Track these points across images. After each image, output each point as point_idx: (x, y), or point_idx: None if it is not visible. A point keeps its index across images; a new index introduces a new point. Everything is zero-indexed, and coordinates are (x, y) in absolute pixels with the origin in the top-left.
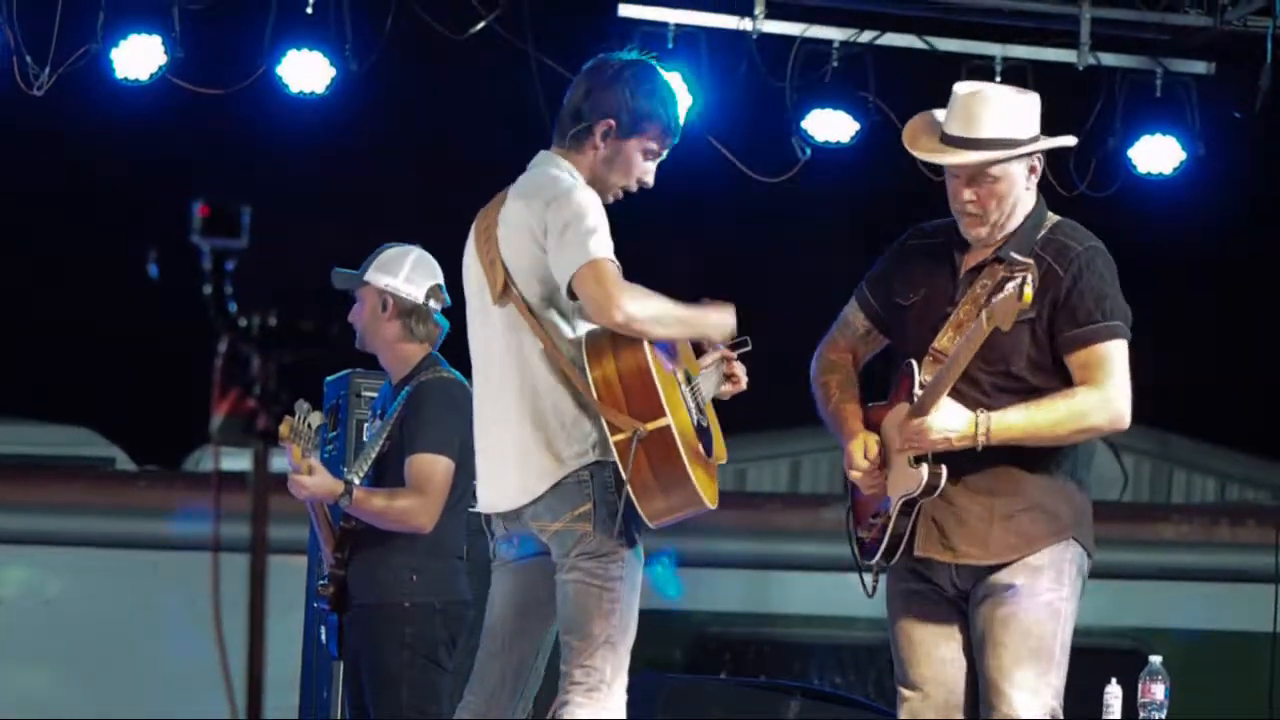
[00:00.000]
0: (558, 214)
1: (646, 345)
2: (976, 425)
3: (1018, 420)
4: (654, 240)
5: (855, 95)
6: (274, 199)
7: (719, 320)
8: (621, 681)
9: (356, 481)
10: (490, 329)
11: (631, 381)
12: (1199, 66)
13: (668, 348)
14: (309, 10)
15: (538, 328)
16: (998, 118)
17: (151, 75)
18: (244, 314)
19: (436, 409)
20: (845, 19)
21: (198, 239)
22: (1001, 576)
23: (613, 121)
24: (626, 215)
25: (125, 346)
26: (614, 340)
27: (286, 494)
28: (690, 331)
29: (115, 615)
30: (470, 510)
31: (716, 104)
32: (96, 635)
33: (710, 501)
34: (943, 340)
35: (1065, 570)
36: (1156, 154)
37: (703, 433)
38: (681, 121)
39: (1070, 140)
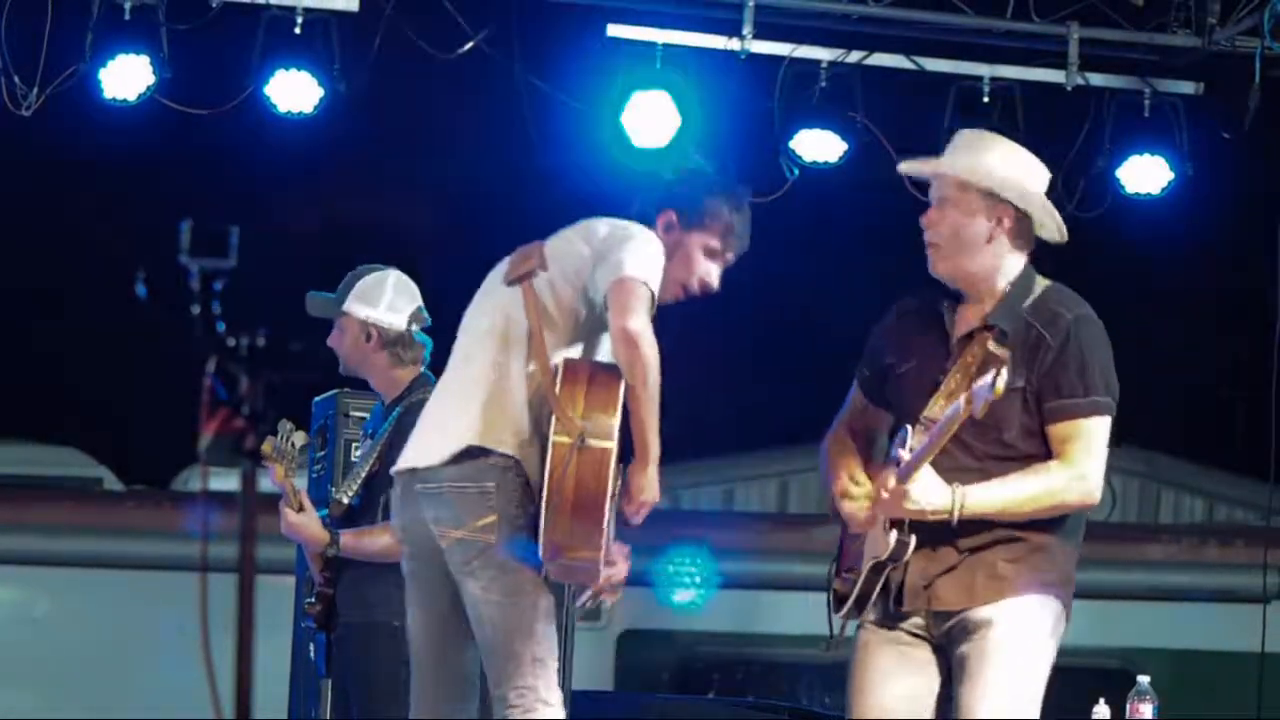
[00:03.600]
0: (626, 234)
1: (620, 386)
2: (953, 500)
3: (991, 498)
4: None
5: (843, 115)
6: (262, 219)
7: (653, 472)
8: (557, 696)
9: (346, 501)
10: (487, 310)
11: (595, 403)
12: (1187, 87)
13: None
14: (297, 30)
15: (537, 318)
16: (974, 152)
17: (140, 95)
18: (232, 334)
19: None
20: (833, 39)
21: (186, 259)
22: (982, 614)
23: (676, 213)
24: None
25: (113, 366)
26: (595, 366)
27: (274, 514)
28: (650, 421)
29: (103, 635)
30: None
31: (705, 124)
32: (84, 655)
33: (600, 572)
34: (933, 408)
35: (1040, 617)
36: (1145, 174)
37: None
38: (747, 233)
39: (1030, 193)
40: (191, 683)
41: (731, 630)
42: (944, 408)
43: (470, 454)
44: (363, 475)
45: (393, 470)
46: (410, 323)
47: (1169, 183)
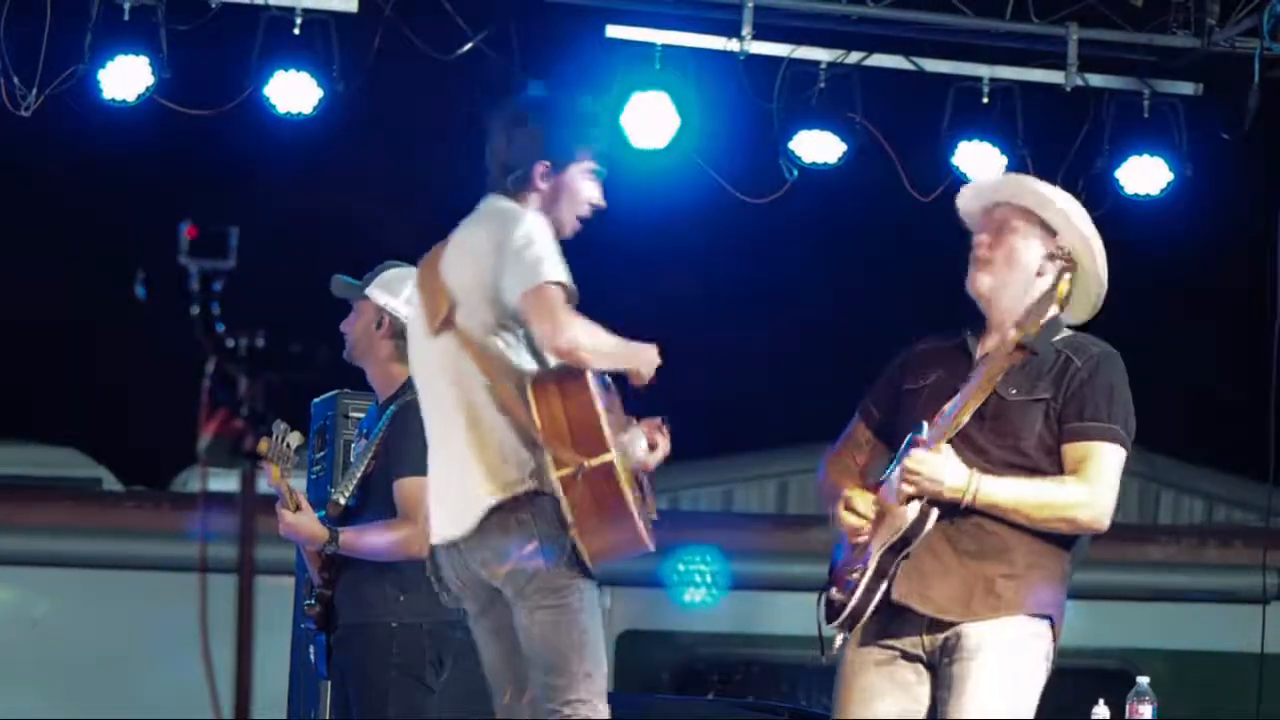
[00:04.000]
0: (511, 236)
1: (591, 383)
2: (969, 482)
3: (1005, 492)
4: (641, 261)
5: (842, 116)
6: (261, 219)
7: (649, 357)
8: (605, 710)
9: (342, 501)
10: (431, 360)
11: (576, 417)
12: (1187, 87)
13: (605, 401)
14: (296, 31)
15: (480, 358)
16: (1035, 191)
17: (139, 96)
18: (231, 334)
19: (420, 430)
20: (832, 40)
21: (185, 260)
22: (974, 633)
23: (547, 161)
24: (614, 235)
25: (112, 367)
26: (559, 377)
27: (274, 515)
28: (624, 363)
29: (102, 636)
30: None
31: (704, 125)
32: (83, 656)
33: (650, 542)
34: (949, 405)
35: (1031, 640)
36: (1144, 175)
37: (637, 484)
38: (610, 122)
39: (1087, 234)
40: (191, 683)
41: (731, 631)
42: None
43: (497, 509)
44: (359, 475)
45: (433, 543)
46: None
47: (1168, 183)
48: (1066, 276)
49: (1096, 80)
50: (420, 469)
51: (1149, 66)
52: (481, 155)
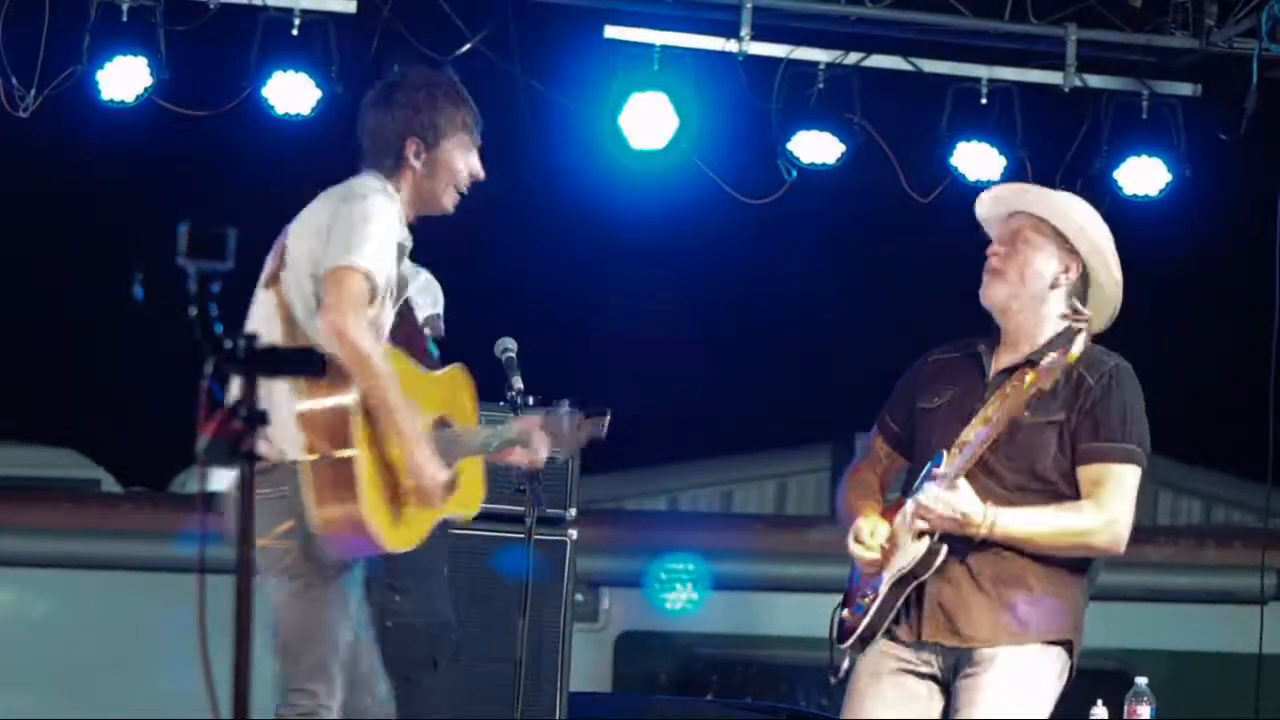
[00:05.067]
0: (348, 212)
1: (378, 374)
2: (985, 516)
3: (1022, 524)
4: (639, 262)
5: (841, 117)
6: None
7: (420, 461)
8: (337, 699)
9: None
10: (255, 304)
11: (333, 408)
12: (1185, 88)
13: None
14: (295, 32)
15: (286, 323)
16: (1053, 196)
17: (137, 97)
18: (230, 335)
19: None
20: (831, 41)
21: (183, 261)
22: (992, 656)
23: (417, 139)
24: (614, 235)
25: (110, 368)
26: (333, 367)
27: None
28: (385, 416)
29: (101, 637)
30: (452, 531)
31: (702, 125)
32: (82, 657)
33: (391, 544)
34: (968, 434)
35: (1051, 665)
36: (1143, 176)
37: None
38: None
39: (1101, 263)
40: (190, 683)
41: (730, 632)
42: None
43: (270, 470)
44: None
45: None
46: (423, 326)
47: (1167, 184)
48: (1081, 335)
49: (1095, 81)
50: None
51: (1147, 67)
52: (482, 155)
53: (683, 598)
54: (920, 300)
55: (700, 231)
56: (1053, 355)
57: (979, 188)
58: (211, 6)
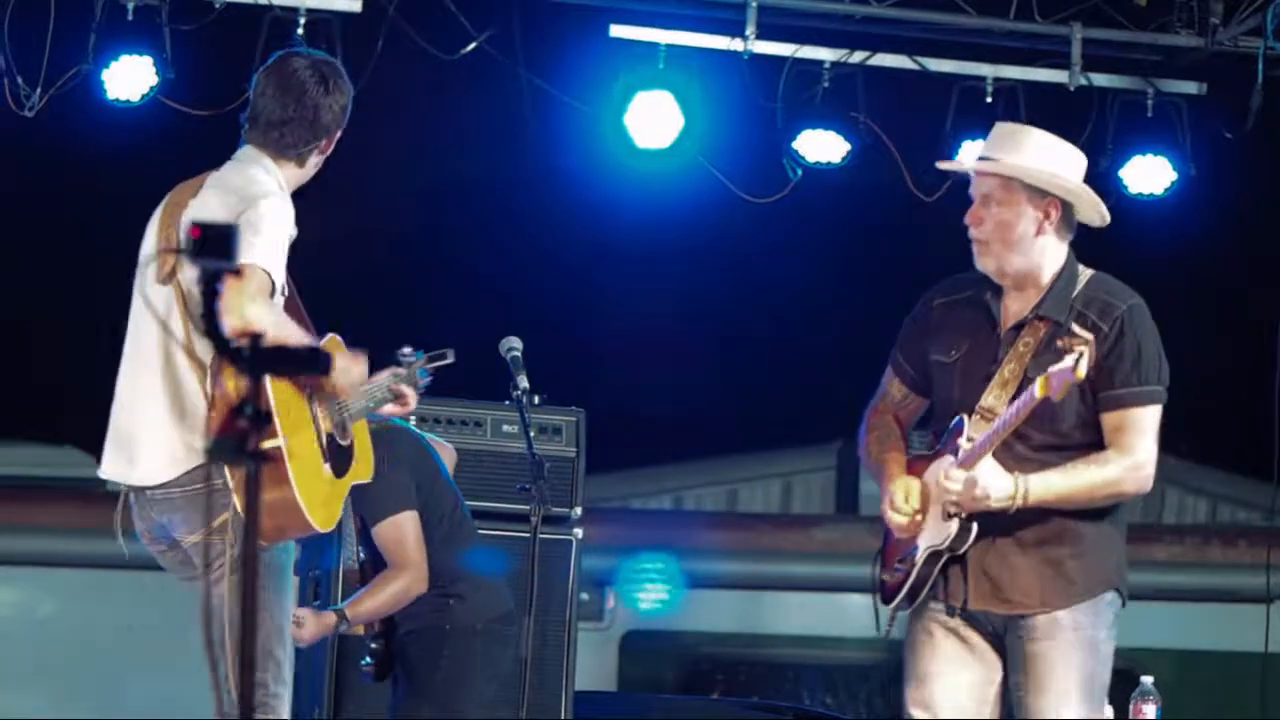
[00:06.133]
0: (248, 213)
1: (273, 326)
2: (1016, 489)
3: (1053, 487)
4: (644, 260)
5: (846, 116)
6: None
7: (343, 365)
8: (287, 685)
9: (357, 565)
10: (147, 305)
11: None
12: (1190, 87)
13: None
14: (300, 31)
15: (186, 320)
16: (1016, 147)
17: (143, 96)
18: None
19: (381, 468)
20: (836, 39)
21: (189, 260)
22: (1047, 617)
23: (327, 142)
24: (619, 234)
25: (114, 367)
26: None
27: None
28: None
29: (105, 636)
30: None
31: (708, 125)
32: (86, 656)
33: (320, 524)
34: (989, 398)
35: (1104, 614)
36: (1148, 174)
37: (339, 452)
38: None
39: (1075, 187)
40: (190, 683)
41: (735, 631)
42: (1000, 397)
43: (196, 470)
44: (353, 530)
45: (114, 481)
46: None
47: (1172, 183)
48: (1085, 355)
49: (1100, 80)
50: (391, 509)
51: (1152, 66)
52: (483, 155)
53: (654, 597)
54: None
55: (705, 230)
56: (1062, 366)
57: None
58: (217, 6)
